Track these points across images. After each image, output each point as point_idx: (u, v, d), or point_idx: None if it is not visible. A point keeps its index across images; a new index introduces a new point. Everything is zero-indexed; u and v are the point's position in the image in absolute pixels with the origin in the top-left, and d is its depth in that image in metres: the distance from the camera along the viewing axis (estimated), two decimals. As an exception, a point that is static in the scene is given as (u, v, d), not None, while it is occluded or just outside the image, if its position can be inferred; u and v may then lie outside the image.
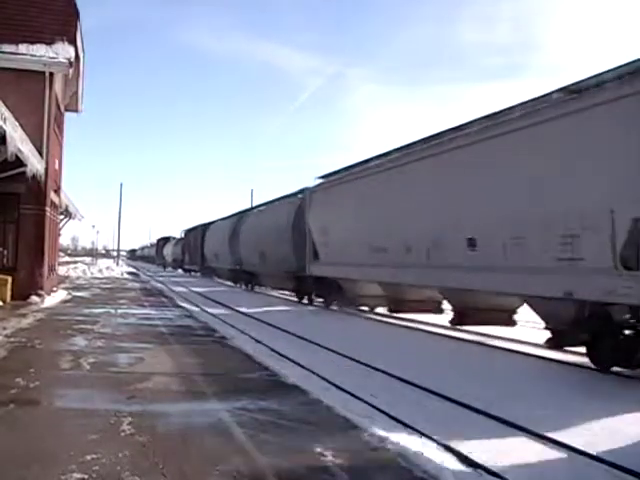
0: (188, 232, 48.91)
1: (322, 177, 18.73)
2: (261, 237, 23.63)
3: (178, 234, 65.45)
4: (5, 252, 15.64)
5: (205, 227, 40.42)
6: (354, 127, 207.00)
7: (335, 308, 17.58)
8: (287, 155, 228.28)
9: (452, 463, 4.09)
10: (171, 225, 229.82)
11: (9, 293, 14.47)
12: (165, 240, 68.02)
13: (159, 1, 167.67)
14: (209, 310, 15.87)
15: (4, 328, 9.77)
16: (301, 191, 20.93)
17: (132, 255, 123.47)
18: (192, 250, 44.22)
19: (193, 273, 46.30)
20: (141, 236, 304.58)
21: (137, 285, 27.25)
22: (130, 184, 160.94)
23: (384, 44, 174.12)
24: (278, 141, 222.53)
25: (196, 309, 15.92)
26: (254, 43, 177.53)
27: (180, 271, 53.57)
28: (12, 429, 4.40)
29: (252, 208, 31.08)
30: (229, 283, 32.72)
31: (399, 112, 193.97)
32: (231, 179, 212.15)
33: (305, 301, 20.12)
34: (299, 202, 20.34)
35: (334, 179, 17.55)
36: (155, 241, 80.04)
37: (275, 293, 25.25)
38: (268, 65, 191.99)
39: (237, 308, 16.90)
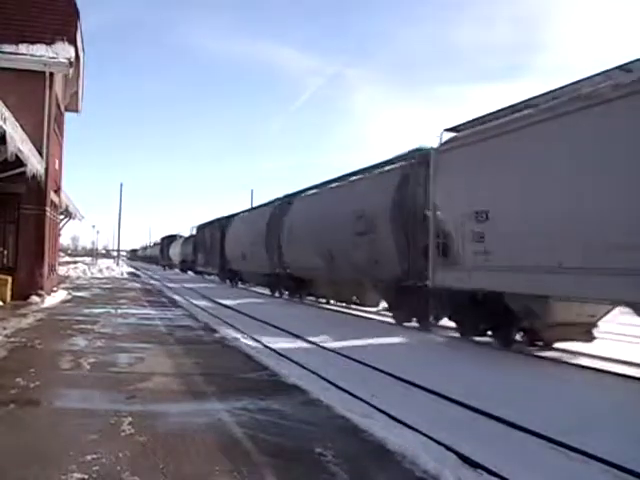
0: (202, 228, 41.45)
1: (456, 128, 11.60)
2: (326, 229, 16.80)
3: (179, 233, 60.89)
4: (5, 252, 15.64)
5: (226, 220, 33.15)
6: (354, 127, 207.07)
7: (483, 340, 10.82)
8: (287, 155, 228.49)
9: (452, 463, 4.09)
10: (171, 225, 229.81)
11: (9, 293, 14.47)
12: (171, 238, 62.29)
13: (159, 2, 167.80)
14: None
15: (4, 328, 9.76)
16: (405, 156, 13.82)
17: (133, 255, 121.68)
18: (207, 249, 37.35)
19: (207, 276, 39.82)
20: (141, 236, 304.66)
21: (137, 285, 27.22)
22: (130, 184, 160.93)
23: (384, 44, 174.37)
24: (278, 141, 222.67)
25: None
26: (254, 43, 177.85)
27: (190, 274, 46.84)
28: (12, 429, 4.39)
29: (299, 192, 22.02)
30: (261, 291, 26.26)
31: (400, 112, 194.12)
32: (231, 179, 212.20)
33: (411, 324, 13.14)
34: (405, 172, 13.35)
35: (501, 124, 10.15)
36: (159, 240, 75.33)
37: (334, 307, 18.39)
38: (268, 65, 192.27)
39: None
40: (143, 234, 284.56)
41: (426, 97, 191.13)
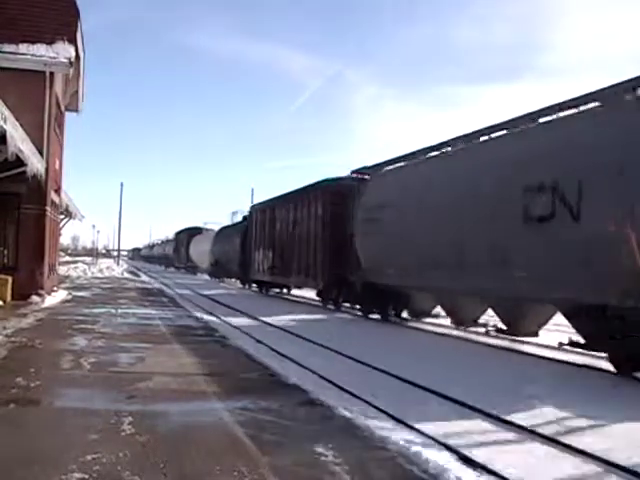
0: (263, 208, 25.01)
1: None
2: None
3: (206, 224, 48.03)
4: (5, 252, 15.63)
5: (347, 184, 16.31)
6: (355, 127, 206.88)
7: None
8: (287, 155, 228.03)
9: (452, 463, 4.08)
10: (171, 225, 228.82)
11: (9, 293, 14.45)
12: (191, 233, 46.71)
13: (159, 2, 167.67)
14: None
15: (4, 328, 9.76)
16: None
17: (136, 255, 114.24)
18: (280, 245, 21.81)
19: (276, 290, 25.15)
20: (142, 236, 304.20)
21: (137, 284, 27.20)
22: (130, 184, 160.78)
23: (384, 45, 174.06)
24: (278, 141, 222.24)
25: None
26: (254, 43, 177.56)
27: (230, 283, 33.61)
28: (12, 429, 4.39)
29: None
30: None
31: (400, 113, 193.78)
32: (231, 179, 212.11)
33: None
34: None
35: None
36: (172, 236, 60.26)
37: None
38: (268, 65, 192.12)
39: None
40: (143, 234, 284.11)
41: (427, 97, 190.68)
